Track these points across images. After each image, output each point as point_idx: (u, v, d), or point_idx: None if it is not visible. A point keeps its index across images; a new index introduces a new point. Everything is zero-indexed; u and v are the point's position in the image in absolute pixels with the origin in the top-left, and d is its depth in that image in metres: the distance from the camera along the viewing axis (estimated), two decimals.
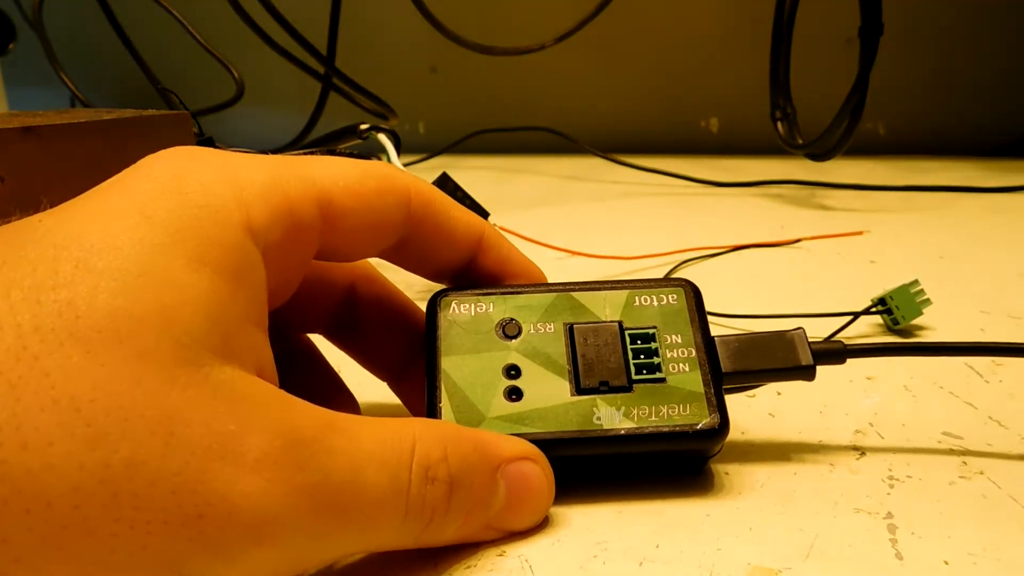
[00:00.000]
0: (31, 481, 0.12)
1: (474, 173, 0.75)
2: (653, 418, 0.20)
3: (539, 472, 0.19)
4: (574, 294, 0.22)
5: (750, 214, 0.56)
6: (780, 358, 0.22)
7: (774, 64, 0.65)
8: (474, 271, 0.22)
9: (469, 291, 0.22)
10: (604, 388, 0.20)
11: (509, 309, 0.21)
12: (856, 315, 0.32)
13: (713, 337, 0.21)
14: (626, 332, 0.21)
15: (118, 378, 0.13)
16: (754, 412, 0.25)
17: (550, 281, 0.23)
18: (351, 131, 0.42)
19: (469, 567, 0.18)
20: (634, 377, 0.20)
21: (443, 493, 0.17)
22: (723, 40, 0.82)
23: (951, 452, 0.23)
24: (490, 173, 0.75)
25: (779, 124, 0.65)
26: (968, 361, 0.29)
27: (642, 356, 0.21)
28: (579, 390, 0.20)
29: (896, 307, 0.32)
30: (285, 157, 0.19)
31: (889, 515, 0.19)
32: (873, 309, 0.32)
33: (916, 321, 0.32)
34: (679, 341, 0.21)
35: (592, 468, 0.21)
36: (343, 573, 0.18)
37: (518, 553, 0.18)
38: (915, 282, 0.32)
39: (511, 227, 0.40)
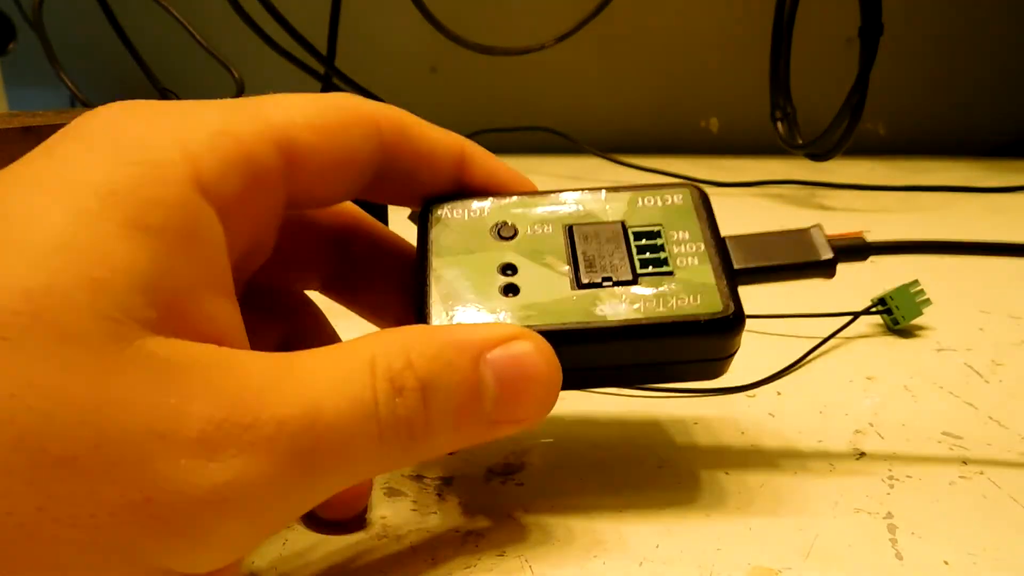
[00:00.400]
0: None
1: None
2: (661, 308, 0.18)
3: (531, 350, 0.17)
4: (571, 195, 0.21)
5: (750, 214, 0.56)
6: (797, 253, 0.20)
7: (774, 64, 0.65)
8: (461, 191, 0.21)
9: (462, 196, 0.21)
10: (607, 283, 0.19)
11: (504, 213, 0.20)
12: (856, 315, 0.32)
13: (724, 237, 0.20)
14: (629, 230, 0.20)
15: (40, 366, 0.12)
16: (754, 412, 0.25)
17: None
18: None
19: (469, 567, 0.18)
20: (639, 271, 0.19)
21: (416, 401, 0.15)
22: (723, 40, 0.82)
23: (951, 452, 0.23)
24: None
25: (779, 124, 0.65)
26: (968, 361, 0.29)
27: (648, 252, 0.19)
28: (580, 286, 0.19)
29: (896, 307, 0.32)
30: (236, 100, 0.17)
31: (889, 515, 0.19)
32: (873, 309, 0.32)
33: (916, 321, 0.32)
34: (686, 237, 0.20)
35: (598, 369, 0.19)
36: (344, 573, 0.18)
37: (518, 553, 0.18)
38: (915, 282, 0.32)
39: None
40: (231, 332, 0.15)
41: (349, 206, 0.22)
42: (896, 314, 0.32)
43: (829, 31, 0.75)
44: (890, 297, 0.32)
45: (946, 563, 0.18)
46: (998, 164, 0.72)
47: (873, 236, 0.50)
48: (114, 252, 0.13)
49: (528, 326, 0.17)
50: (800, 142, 0.63)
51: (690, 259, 0.19)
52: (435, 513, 0.20)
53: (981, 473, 0.21)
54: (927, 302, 0.31)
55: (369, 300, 0.23)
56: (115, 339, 0.13)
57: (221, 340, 0.15)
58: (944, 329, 0.32)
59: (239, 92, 0.67)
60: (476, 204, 0.20)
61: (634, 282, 0.19)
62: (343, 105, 0.18)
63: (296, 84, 0.69)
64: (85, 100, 0.74)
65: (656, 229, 0.20)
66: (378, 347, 0.15)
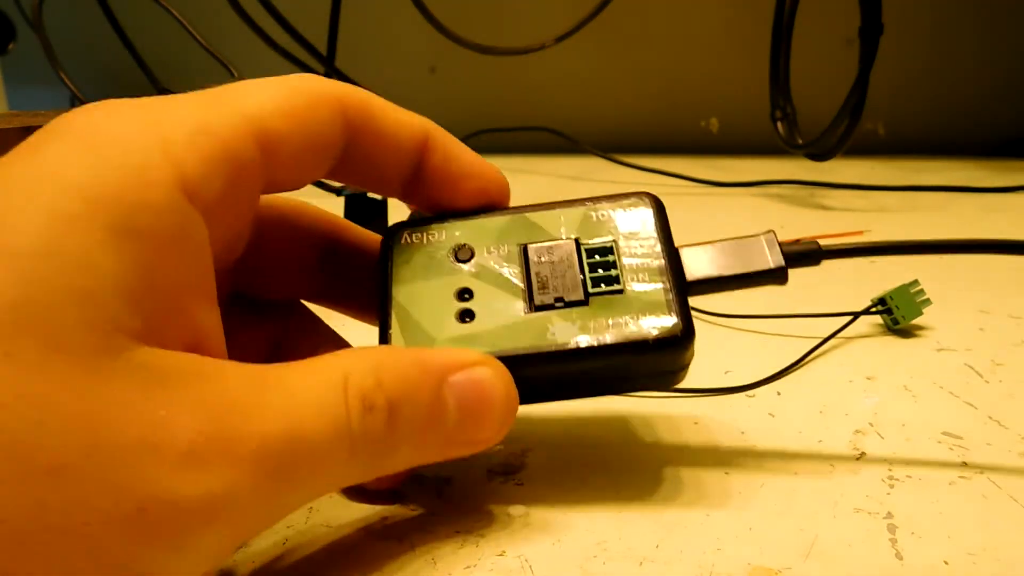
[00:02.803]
0: None
1: None
2: (611, 329, 0.19)
3: (491, 376, 0.17)
4: (528, 215, 0.21)
5: (750, 214, 0.56)
6: (748, 262, 0.20)
7: (774, 64, 0.65)
8: (423, 176, 0.21)
9: (422, 221, 0.21)
10: (559, 304, 0.19)
11: (462, 235, 0.21)
12: (856, 315, 0.32)
13: (677, 247, 0.20)
14: (582, 247, 0.20)
15: (29, 376, 0.12)
16: (754, 412, 0.25)
17: (507, 188, 0.22)
18: None
19: (469, 567, 0.18)
20: (591, 291, 0.19)
21: (383, 420, 0.16)
22: (723, 40, 0.82)
23: (951, 452, 0.23)
24: None
25: (779, 124, 0.65)
26: (968, 361, 0.29)
27: (599, 270, 0.20)
28: (534, 308, 0.19)
29: (896, 307, 0.32)
30: (209, 91, 0.17)
31: (889, 515, 0.19)
32: (873, 309, 0.32)
33: (916, 321, 0.32)
34: (639, 252, 0.20)
35: (553, 387, 0.20)
36: (344, 573, 0.18)
37: (518, 553, 0.18)
38: (915, 282, 0.32)
39: None
40: (212, 336, 0.16)
41: (327, 214, 0.22)
42: (896, 314, 0.32)
43: (829, 31, 0.75)
44: (890, 297, 0.32)
45: (946, 563, 0.18)
46: (998, 164, 0.72)
47: (873, 236, 0.50)
48: (100, 260, 0.13)
49: (484, 352, 0.18)
50: (800, 142, 0.63)
51: (641, 275, 0.20)
52: (435, 513, 0.20)
53: (981, 473, 0.21)
54: (927, 302, 0.31)
55: (356, 303, 0.23)
56: (103, 350, 0.13)
57: (202, 345, 0.15)
58: (944, 329, 0.32)
59: None
60: (434, 228, 0.21)
61: (585, 303, 0.19)
62: (310, 88, 0.18)
63: None
64: (85, 100, 0.74)
65: (608, 245, 0.20)
66: (350, 365, 0.16)
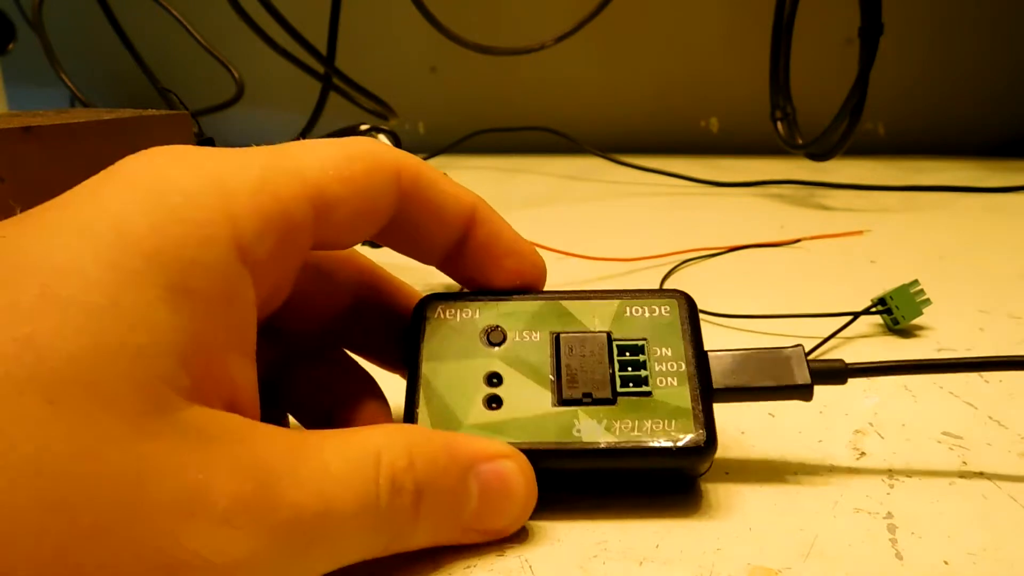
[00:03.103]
0: None
1: (474, 173, 0.75)
2: (635, 432, 0.19)
3: (515, 470, 0.18)
4: (563, 302, 0.21)
5: (750, 214, 0.56)
6: (775, 376, 0.21)
7: (774, 64, 0.65)
8: (465, 250, 0.21)
9: (456, 297, 0.21)
10: (587, 400, 0.19)
11: (495, 316, 0.21)
12: (856, 315, 0.32)
13: (706, 352, 0.21)
14: (614, 343, 0.20)
15: (81, 433, 0.12)
16: (754, 412, 0.25)
17: (544, 271, 0.22)
18: (351, 131, 0.42)
19: (469, 567, 0.18)
20: (619, 389, 0.20)
21: (410, 501, 0.16)
22: (723, 40, 0.82)
23: (951, 452, 0.23)
24: (490, 173, 0.75)
25: (779, 124, 0.65)
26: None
27: (629, 368, 0.20)
28: (561, 401, 0.19)
29: (896, 307, 0.32)
30: (271, 149, 0.17)
31: (889, 515, 0.19)
32: (873, 309, 0.32)
33: (916, 321, 0.32)
34: (669, 354, 0.20)
35: (573, 480, 0.20)
36: (342, 573, 0.18)
37: (518, 553, 0.18)
38: (915, 282, 0.32)
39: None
40: (248, 392, 0.16)
41: (364, 259, 0.23)
42: (896, 314, 0.32)
43: (829, 31, 0.75)
44: (890, 297, 0.32)
45: (946, 563, 0.18)
46: (998, 164, 0.72)
47: (873, 236, 0.50)
48: (155, 317, 0.14)
49: (509, 442, 0.19)
50: (800, 142, 0.63)
51: (670, 379, 0.20)
52: None
53: (981, 473, 0.21)
54: (927, 302, 0.31)
55: (385, 355, 0.23)
56: (151, 407, 0.13)
57: (239, 401, 0.16)
58: (944, 329, 0.32)
59: (239, 92, 0.67)
60: (468, 306, 0.21)
61: (612, 402, 0.19)
62: (368, 153, 0.18)
63: (296, 84, 0.70)
64: (85, 100, 0.74)
65: (640, 344, 0.20)
66: (384, 443, 0.16)
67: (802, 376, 0.21)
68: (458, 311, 0.21)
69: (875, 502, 0.20)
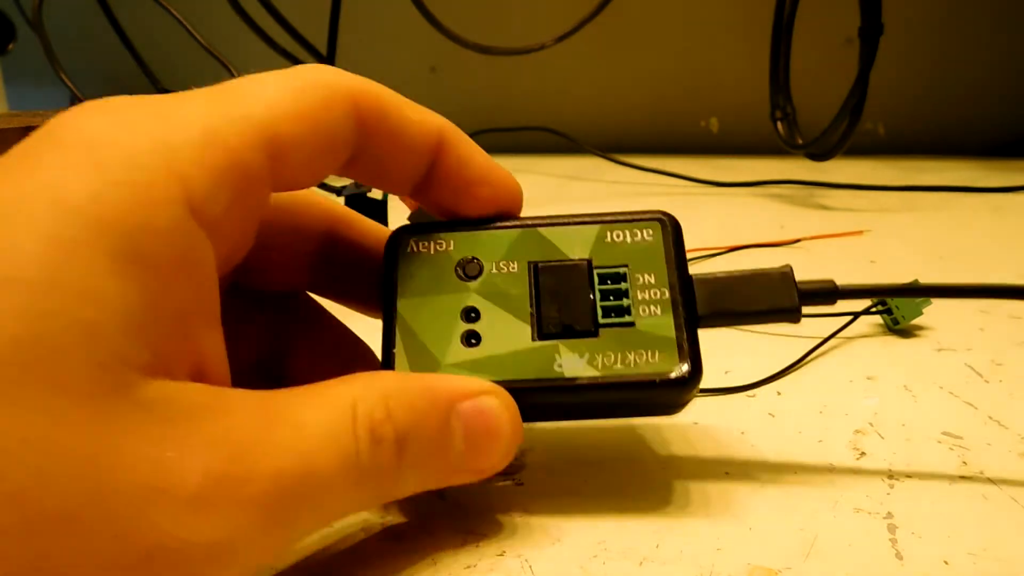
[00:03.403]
0: None
1: None
2: (619, 366, 0.18)
3: (498, 405, 0.17)
4: (541, 230, 0.20)
5: (750, 214, 0.56)
6: (763, 299, 0.20)
7: (774, 64, 0.65)
8: (435, 178, 0.20)
9: (429, 228, 0.20)
10: (568, 333, 0.19)
11: (470, 247, 0.20)
12: (856, 315, 0.32)
13: (691, 276, 0.20)
14: (595, 271, 0.19)
15: (32, 419, 0.11)
16: (754, 412, 0.25)
17: (520, 196, 0.21)
18: None
19: (469, 567, 0.18)
20: (601, 321, 0.19)
21: (392, 452, 0.15)
22: (723, 40, 0.82)
23: (951, 452, 0.23)
24: None
25: (779, 124, 0.65)
26: (968, 361, 0.29)
27: (611, 298, 0.19)
28: (541, 335, 0.19)
29: (896, 307, 0.32)
30: (213, 92, 0.16)
31: (889, 515, 0.19)
32: (873, 309, 0.32)
33: (916, 321, 0.32)
34: (652, 281, 0.19)
35: (555, 413, 0.20)
36: (344, 573, 0.18)
37: (518, 553, 0.18)
38: (915, 282, 0.32)
39: None
40: (215, 360, 0.15)
41: (326, 200, 0.22)
42: (896, 314, 0.32)
43: (829, 31, 0.75)
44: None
45: (946, 563, 0.18)
46: (998, 164, 0.72)
47: (873, 236, 0.50)
48: (104, 290, 0.13)
49: (489, 380, 0.18)
50: (800, 142, 0.63)
51: (653, 307, 0.19)
52: (435, 513, 0.20)
53: (981, 473, 0.21)
54: (927, 302, 0.31)
55: (358, 297, 0.22)
56: (110, 388, 0.12)
57: (206, 370, 0.15)
58: (944, 329, 0.32)
59: None
60: (443, 238, 0.20)
61: (594, 334, 0.19)
62: (320, 82, 0.17)
63: None
64: (85, 100, 0.74)
65: (622, 271, 0.20)
66: (359, 394, 0.16)
67: (790, 298, 0.20)
68: (431, 243, 0.20)
69: (875, 502, 0.20)
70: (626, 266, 0.20)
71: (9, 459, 0.11)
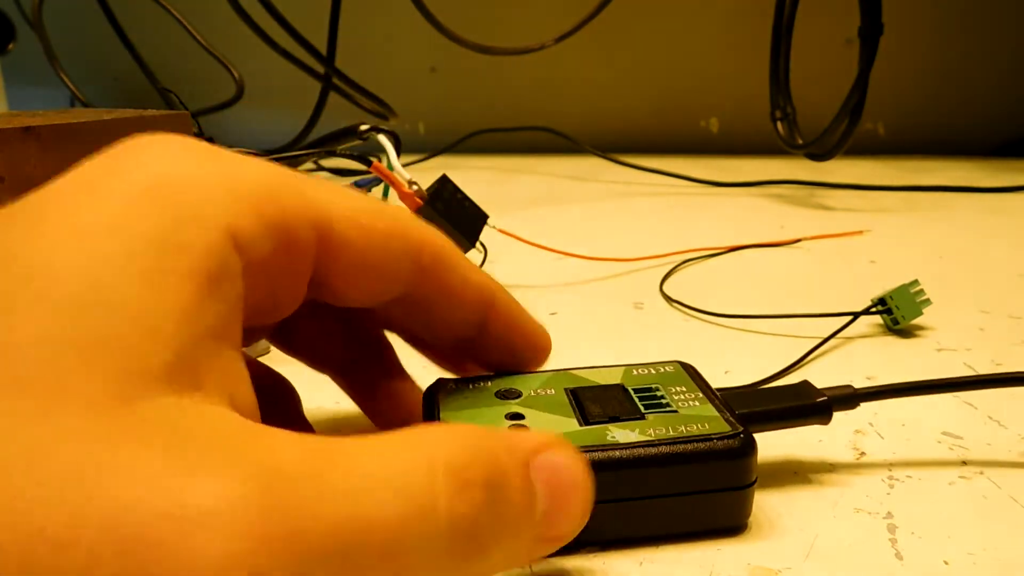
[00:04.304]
0: None
1: (474, 173, 0.75)
2: (670, 432, 0.18)
3: (571, 455, 0.15)
4: (571, 371, 0.22)
5: (750, 214, 0.56)
6: (791, 399, 0.21)
7: (774, 64, 0.65)
8: (481, 338, 0.20)
9: (465, 379, 0.22)
10: (614, 420, 0.19)
11: (508, 383, 0.21)
12: (856, 315, 0.32)
13: (719, 390, 0.21)
14: (629, 389, 0.21)
15: (29, 430, 0.11)
16: None
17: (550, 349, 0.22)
18: (351, 131, 0.42)
19: None
20: (645, 411, 0.20)
21: (483, 499, 0.13)
22: (723, 40, 0.82)
23: (951, 452, 0.23)
24: (490, 173, 0.75)
25: (779, 124, 0.65)
26: (968, 361, 0.29)
27: (650, 400, 0.20)
28: (588, 423, 0.19)
29: (896, 307, 0.32)
30: (280, 167, 0.16)
31: (889, 515, 0.19)
32: (873, 309, 0.32)
33: (916, 321, 0.32)
34: (684, 391, 0.21)
35: (611, 487, 0.18)
36: None
37: None
38: (915, 282, 0.32)
39: (510, 228, 0.40)
40: (241, 389, 0.14)
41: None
42: (896, 314, 0.32)
43: (829, 31, 0.75)
44: (890, 297, 0.32)
45: (946, 563, 0.18)
46: (998, 164, 0.72)
47: (873, 236, 0.50)
48: (134, 299, 0.12)
49: None
50: (800, 142, 0.63)
51: (691, 403, 0.20)
52: None
53: (981, 473, 0.21)
54: (927, 302, 0.31)
55: (307, 348, 0.22)
56: (124, 400, 0.11)
57: (232, 397, 0.14)
58: (944, 329, 0.32)
59: (239, 92, 0.67)
60: (479, 379, 0.21)
61: (642, 417, 0.19)
62: (394, 215, 0.17)
63: (296, 84, 0.70)
64: (85, 100, 0.74)
65: (655, 387, 0.21)
66: (434, 440, 0.13)
67: (818, 396, 0.21)
68: (470, 383, 0.21)
69: (875, 502, 0.20)
70: (657, 387, 0.21)
71: (13, 474, 0.10)
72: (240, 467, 0.11)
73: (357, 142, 0.43)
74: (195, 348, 0.13)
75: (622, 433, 0.18)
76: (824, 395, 0.21)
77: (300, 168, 0.37)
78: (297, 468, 0.12)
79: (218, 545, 0.10)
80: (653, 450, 0.18)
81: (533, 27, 0.76)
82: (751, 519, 0.19)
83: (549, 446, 0.15)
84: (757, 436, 0.19)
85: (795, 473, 0.22)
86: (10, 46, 0.83)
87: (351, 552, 0.11)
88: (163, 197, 0.13)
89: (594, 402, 0.20)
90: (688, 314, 0.35)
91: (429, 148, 0.81)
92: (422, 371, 0.29)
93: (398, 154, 0.37)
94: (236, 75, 0.66)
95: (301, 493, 0.11)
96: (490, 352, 0.21)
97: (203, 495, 0.11)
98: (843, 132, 0.56)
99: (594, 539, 0.18)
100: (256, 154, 0.30)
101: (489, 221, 0.38)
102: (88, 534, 0.10)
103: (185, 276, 0.13)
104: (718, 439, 0.18)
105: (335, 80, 0.67)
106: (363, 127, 0.42)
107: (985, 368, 0.28)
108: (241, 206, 0.14)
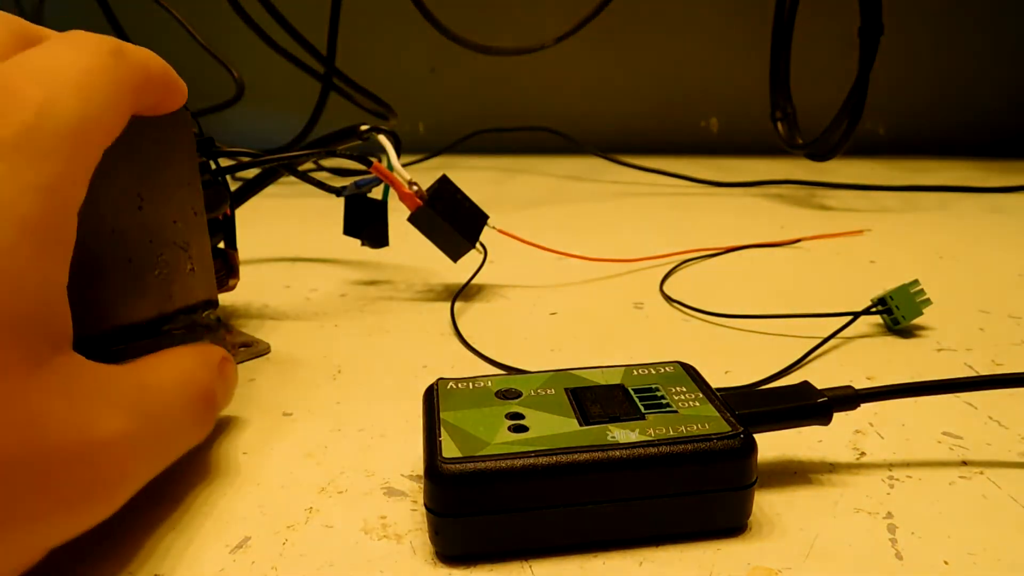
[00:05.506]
0: None
1: (474, 173, 0.75)
2: (670, 432, 0.19)
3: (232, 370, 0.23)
4: (571, 372, 0.22)
5: (750, 214, 0.56)
6: (791, 400, 0.21)
7: (774, 64, 0.65)
8: None
9: (465, 378, 0.22)
10: (615, 420, 0.19)
11: (508, 383, 0.22)
12: (856, 315, 0.32)
13: (719, 390, 0.21)
14: (629, 388, 0.21)
15: None
16: None
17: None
18: (351, 131, 0.42)
19: (469, 567, 0.18)
20: (645, 411, 0.20)
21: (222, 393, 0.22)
22: (723, 40, 0.82)
23: (951, 452, 0.23)
24: (490, 173, 0.75)
25: (779, 124, 0.65)
26: (968, 361, 0.29)
27: (650, 400, 0.20)
28: (588, 422, 0.19)
29: (896, 307, 0.32)
30: None
31: (889, 515, 0.19)
32: (873, 309, 0.32)
33: (916, 321, 0.32)
34: (684, 391, 0.21)
35: (611, 487, 0.18)
36: (343, 573, 0.18)
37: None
38: (915, 282, 0.32)
39: (510, 228, 0.40)
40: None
41: None
42: (896, 314, 0.32)
43: (829, 31, 0.75)
44: (890, 297, 0.32)
45: (946, 563, 0.18)
46: (998, 164, 0.72)
47: (873, 236, 0.50)
48: (26, 275, 0.15)
49: (541, 449, 0.18)
50: (800, 142, 0.63)
51: (692, 403, 0.20)
52: None
53: (981, 473, 0.21)
54: (927, 302, 0.31)
55: None
56: (31, 361, 0.15)
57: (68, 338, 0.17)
58: (944, 329, 0.32)
59: (239, 92, 0.67)
60: (479, 379, 0.22)
61: (642, 417, 0.19)
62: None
63: (296, 84, 0.70)
64: None
65: (655, 387, 0.21)
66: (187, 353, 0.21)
67: (818, 396, 0.21)
68: (470, 383, 0.22)
69: (875, 502, 0.20)
70: (658, 387, 0.21)
71: None
72: (121, 401, 0.17)
73: (357, 142, 0.43)
74: (60, 305, 0.16)
75: (622, 433, 0.19)
76: (824, 396, 0.21)
77: (300, 168, 0.37)
78: (134, 391, 0.18)
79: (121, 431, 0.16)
80: (653, 450, 0.18)
81: (533, 27, 0.76)
82: (751, 519, 0.19)
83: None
84: (757, 436, 0.19)
85: (795, 473, 0.22)
86: None
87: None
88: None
89: (594, 402, 0.20)
90: (688, 314, 0.35)
91: (429, 148, 0.81)
92: (422, 371, 0.29)
93: (398, 154, 0.37)
94: (236, 75, 0.66)
95: (144, 394, 0.18)
96: None
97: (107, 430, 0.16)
98: (843, 132, 0.56)
99: (594, 539, 0.18)
100: (256, 154, 0.30)
101: (489, 221, 0.38)
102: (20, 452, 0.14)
103: (53, 242, 0.16)
104: (718, 439, 0.18)
105: (335, 80, 0.67)
106: (363, 127, 0.42)
107: (985, 368, 0.28)
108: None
